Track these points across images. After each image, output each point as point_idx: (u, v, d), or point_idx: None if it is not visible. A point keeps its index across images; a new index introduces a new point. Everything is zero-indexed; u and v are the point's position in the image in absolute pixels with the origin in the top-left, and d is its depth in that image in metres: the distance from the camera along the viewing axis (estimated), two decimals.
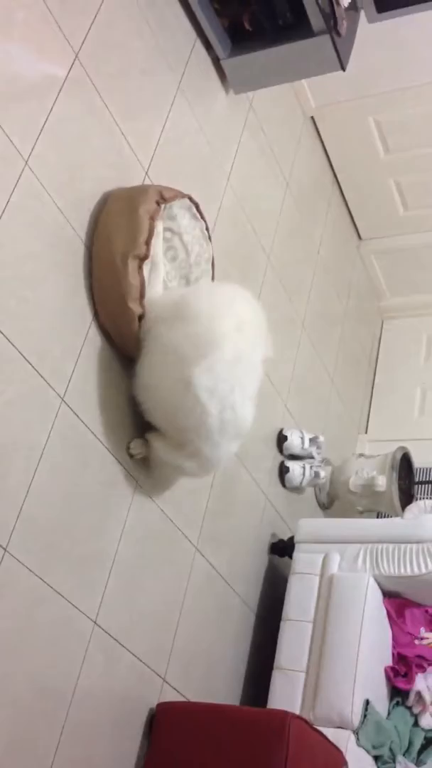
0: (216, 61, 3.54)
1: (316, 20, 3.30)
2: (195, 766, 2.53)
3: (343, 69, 3.44)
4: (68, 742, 2.29)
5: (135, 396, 2.63)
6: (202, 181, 3.36)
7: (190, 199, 2.83)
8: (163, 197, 2.64)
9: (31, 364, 2.27)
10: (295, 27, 3.39)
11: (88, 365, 2.53)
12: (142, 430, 2.76)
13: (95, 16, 2.73)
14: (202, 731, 2.60)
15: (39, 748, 2.21)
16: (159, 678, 2.77)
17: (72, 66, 2.59)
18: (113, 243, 2.56)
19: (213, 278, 3.01)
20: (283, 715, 2.58)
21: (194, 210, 2.87)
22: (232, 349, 2.50)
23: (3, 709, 2.09)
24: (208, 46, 3.48)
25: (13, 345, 2.21)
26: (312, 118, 4.62)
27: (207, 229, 2.94)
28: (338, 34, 3.36)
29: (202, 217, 2.91)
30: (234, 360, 2.50)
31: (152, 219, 2.59)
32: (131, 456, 2.69)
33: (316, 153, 4.72)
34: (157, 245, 2.65)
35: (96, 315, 2.58)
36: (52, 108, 2.47)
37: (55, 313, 2.41)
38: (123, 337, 2.60)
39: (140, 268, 2.55)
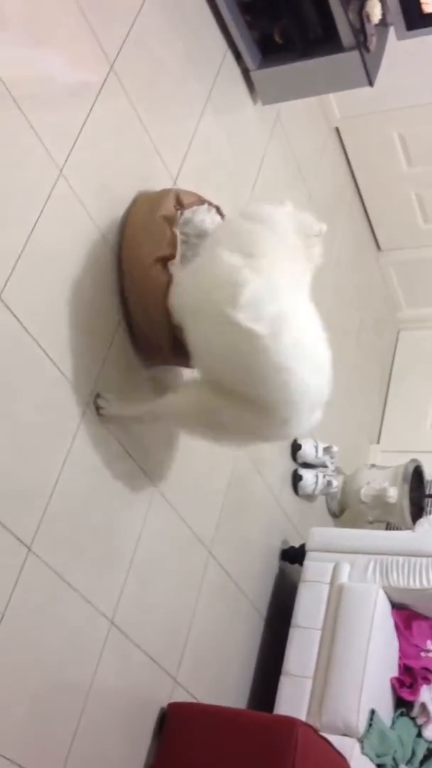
0: (246, 73, 3.59)
1: (346, 36, 3.34)
2: (204, 767, 2.58)
3: (371, 85, 3.48)
4: (82, 738, 2.34)
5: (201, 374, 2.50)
6: (228, 190, 3.39)
7: (210, 204, 2.84)
8: (179, 202, 2.67)
9: (58, 368, 2.33)
10: (325, 42, 3.43)
11: (113, 370, 2.58)
12: (161, 436, 2.83)
13: (131, 27, 2.78)
14: (212, 733, 2.65)
15: (54, 743, 2.26)
16: (170, 678, 2.82)
17: (107, 76, 2.64)
18: (140, 249, 2.59)
19: None
20: (292, 722, 2.63)
21: (216, 215, 2.89)
22: (259, 271, 2.27)
23: (21, 703, 2.14)
24: (238, 57, 3.53)
25: (43, 349, 2.26)
26: (336, 129, 4.66)
27: None
28: (367, 50, 3.40)
29: None
30: (270, 283, 2.27)
31: (170, 223, 2.61)
32: (97, 408, 2.49)
33: (339, 164, 4.76)
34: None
35: (123, 317, 2.63)
36: (86, 118, 2.52)
37: (83, 319, 2.46)
38: (163, 339, 2.59)
39: (165, 267, 2.58)
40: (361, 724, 3.07)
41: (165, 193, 2.73)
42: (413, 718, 3.40)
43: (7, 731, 2.09)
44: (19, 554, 2.15)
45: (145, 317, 2.60)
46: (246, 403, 2.33)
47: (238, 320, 2.21)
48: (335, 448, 4.12)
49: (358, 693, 3.11)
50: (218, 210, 2.91)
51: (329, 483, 4.06)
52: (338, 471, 4.26)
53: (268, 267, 2.27)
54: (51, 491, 2.28)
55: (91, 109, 2.54)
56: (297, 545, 3.79)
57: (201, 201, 2.81)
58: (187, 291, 2.43)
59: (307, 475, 4.00)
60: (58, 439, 2.33)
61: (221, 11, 3.34)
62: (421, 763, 3.38)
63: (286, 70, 3.54)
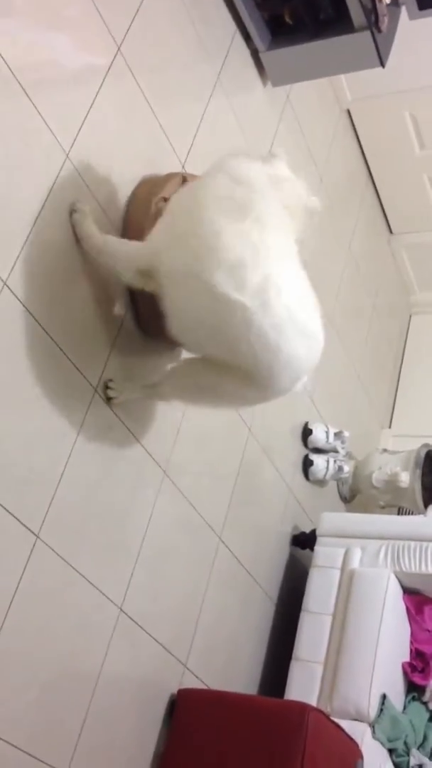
0: (255, 54, 3.55)
1: (357, 16, 3.29)
2: (214, 753, 2.59)
3: (383, 65, 3.44)
4: (92, 725, 2.35)
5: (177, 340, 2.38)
6: None
7: None
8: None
9: (67, 356, 2.32)
10: (336, 22, 3.39)
11: (120, 357, 2.57)
12: (171, 422, 2.82)
13: (138, 9, 2.74)
14: (222, 719, 2.65)
15: (64, 730, 2.27)
16: (180, 664, 2.83)
17: (114, 59, 2.61)
18: (140, 230, 2.55)
19: None
20: (302, 707, 2.63)
21: None
22: (245, 235, 2.10)
23: (31, 690, 2.14)
24: (247, 38, 3.49)
25: (49, 335, 2.25)
26: (348, 111, 4.61)
27: None
28: (379, 30, 3.35)
29: None
30: (256, 248, 2.11)
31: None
32: (109, 398, 2.48)
33: (350, 146, 4.71)
34: None
35: (131, 299, 2.60)
36: (93, 101, 2.49)
37: (90, 303, 2.44)
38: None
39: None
40: (373, 709, 3.07)
41: (171, 176, 2.71)
42: (425, 703, 3.40)
43: (15, 719, 2.09)
44: (27, 541, 2.14)
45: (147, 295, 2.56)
46: (231, 372, 2.26)
47: (222, 291, 2.08)
48: (346, 433, 4.10)
49: (370, 678, 3.11)
50: None
51: (340, 468, 4.05)
52: (349, 456, 4.24)
53: (254, 232, 2.10)
54: (59, 478, 2.27)
55: (97, 92, 2.51)
56: (308, 531, 3.78)
57: None
58: (163, 250, 2.24)
59: (318, 460, 3.98)
60: (66, 426, 2.32)
61: None
62: None
63: (297, 51, 3.50)
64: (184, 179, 2.67)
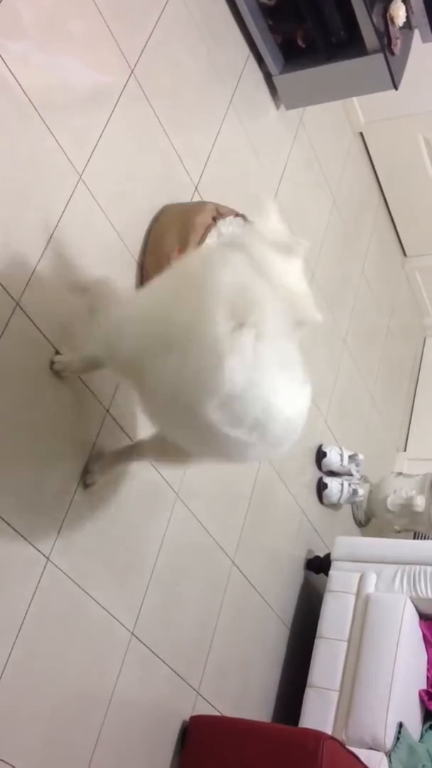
0: (268, 77, 3.56)
1: (369, 39, 3.30)
2: None
3: (396, 88, 3.44)
4: (102, 751, 2.30)
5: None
6: (250, 196, 3.36)
7: (244, 218, 2.82)
8: (219, 213, 2.65)
9: (80, 378, 2.30)
10: (349, 45, 3.40)
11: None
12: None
13: (151, 33, 2.76)
14: (235, 747, 2.60)
15: (75, 756, 2.23)
16: (193, 690, 2.78)
17: (127, 82, 2.63)
18: (164, 245, 2.55)
19: None
20: (317, 736, 2.58)
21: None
22: (242, 358, 1.78)
23: (42, 716, 2.11)
24: (260, 61, 3.51)
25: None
26: (361, 133, 4.62)
27: None
28: (392, 53, 3.36)
29: None
30: (251, 367, 1.80)
31: (206, 230, 2.59)
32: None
33: (363, 169, 4.71)
34: None
35: None
36: (107, 123, 2.51)
37: None
38: None
39: None
40: (389, 738, 3.01)
41: (202, 203, 2.71)
42: None
43: (25, 745, 2.06)
44: (38, 563, 2.12)
45: None
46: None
47: (213, 422, 1.82)
48: (361, 456, 4.06)
49: (386, 706, 3.05)
50: (244, 218, 2.88)
51: (355, 491, 4.01)
52: (364, 479, 4.20)
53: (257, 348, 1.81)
54: (70, 500, 2.25)
55: (111, 114, 2.53)
56: (322, 555, 3.73)
57: (237, 214, 2.77)
58: (145, 332, 1.95)
59: (333, 483, 3.94)
60: (77, 446, 2.31)
61: (243, 15, 3.32)
62: None
63: (310, 74, 3.52)
64: (217, 212, 2.66)
